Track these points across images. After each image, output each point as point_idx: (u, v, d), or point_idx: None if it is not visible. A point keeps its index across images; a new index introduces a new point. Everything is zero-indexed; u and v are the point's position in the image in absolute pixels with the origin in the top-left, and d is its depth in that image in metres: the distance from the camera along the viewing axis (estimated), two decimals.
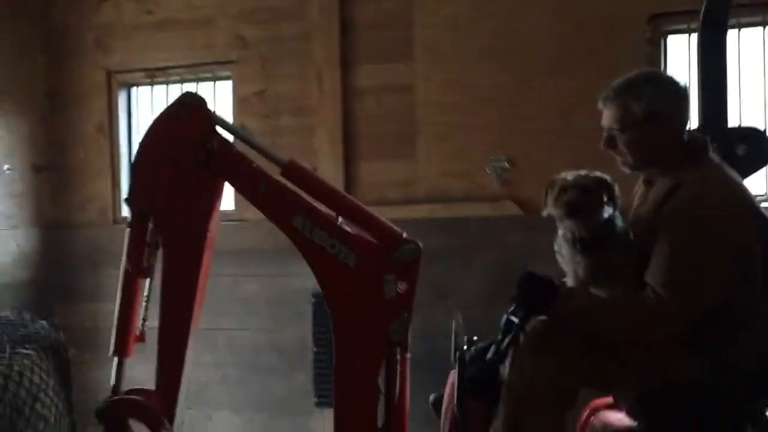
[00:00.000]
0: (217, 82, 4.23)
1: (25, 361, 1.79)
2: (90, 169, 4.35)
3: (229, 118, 4.11)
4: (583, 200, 1.95)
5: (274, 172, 2.16)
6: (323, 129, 3.88)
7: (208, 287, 4.27)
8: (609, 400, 2.19)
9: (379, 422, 2.04)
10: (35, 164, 4.36)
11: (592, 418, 2.22)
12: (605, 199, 1.97)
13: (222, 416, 4.10)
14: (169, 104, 2.21)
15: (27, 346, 1.84)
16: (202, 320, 4.09)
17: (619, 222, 2.01)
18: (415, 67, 3.76)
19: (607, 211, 1.97)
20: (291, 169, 2.14)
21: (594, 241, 1.97)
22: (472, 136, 3.67)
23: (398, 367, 2.04)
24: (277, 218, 2.13)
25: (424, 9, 3.75)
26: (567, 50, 3.53)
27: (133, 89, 4.41)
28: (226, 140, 2.18)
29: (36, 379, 1.80)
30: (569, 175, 2.00)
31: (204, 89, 4.21)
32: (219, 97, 4.21)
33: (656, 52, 3.49)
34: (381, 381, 2.05)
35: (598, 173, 2.02)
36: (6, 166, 4.20)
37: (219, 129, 2.17)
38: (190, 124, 2.13)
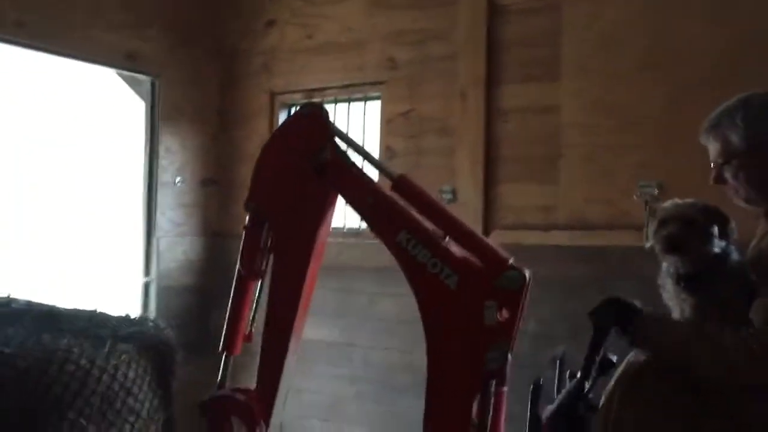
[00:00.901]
0: (367, 102, 4.34)
1: (123, 357, 1.91)
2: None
3: (376, 137, 4.21)
4: (685, 235, 1.74)
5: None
6: (464, 149, 3.82)
7: (346, 303, 4.33)
8: None
9: None
10: (204, 178, 4.74)
11: None
12: (714, 231, 1.74)
13: (353, 431, 4.14)
14: (292, 113, 2.28)
15: (130, 342, 1.97)
16: (338, 334, 4.18)
17: (734, 257, 1.76)
18: (561, 87, 3.59)
19: (718, 245, 1.74)
20: (401, 184, 2.10)
21: (700, 277, 1.74)
22: (619, 160, 3.42)
23: (492, 399, 1.91)
24: (381, 231, 2.09)
25: (574, 25, 3.57)
26: (728, 64, 3.17)
27: (292, 109, 4.66)
28: (340, 150, 2.19)
29: (131, 374, 1.91)
30: (672, 205, 1.80)
31: (355, 109, 4.34)
32: (368, 117, 4.30)
33: None
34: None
35: (707, 202, 1.79)
36: (179, 178, 4.60)
37: (337, 140, 2.21)
38: (307, 133, 2.18)
